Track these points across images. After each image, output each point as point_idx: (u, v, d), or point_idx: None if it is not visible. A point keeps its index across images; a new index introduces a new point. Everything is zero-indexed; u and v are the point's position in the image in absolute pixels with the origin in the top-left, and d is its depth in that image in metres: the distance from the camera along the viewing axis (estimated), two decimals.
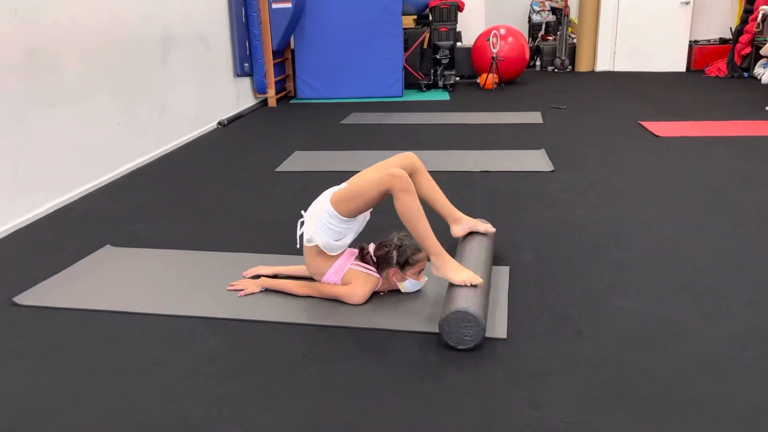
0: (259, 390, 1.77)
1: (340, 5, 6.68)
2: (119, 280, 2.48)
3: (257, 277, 2.46)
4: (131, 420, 1.65)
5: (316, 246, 2.25)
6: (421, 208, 2.14)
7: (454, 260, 2.15)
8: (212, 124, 5.48)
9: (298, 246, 2.44)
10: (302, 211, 2.38)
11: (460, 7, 7.86)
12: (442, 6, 7.72)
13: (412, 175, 2.39)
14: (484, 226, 2.52)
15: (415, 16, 8.09)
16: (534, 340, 1.99)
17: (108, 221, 3.20)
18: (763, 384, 1.73)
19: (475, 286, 2.05)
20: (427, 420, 1.62)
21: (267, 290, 2.37)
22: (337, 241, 2.25)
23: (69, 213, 3.35)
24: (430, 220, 2.16)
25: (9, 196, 3.05)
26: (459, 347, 1.94)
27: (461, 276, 2.09)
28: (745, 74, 7.70)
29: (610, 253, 2.64)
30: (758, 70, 7.45)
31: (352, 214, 2.22)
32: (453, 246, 2.57)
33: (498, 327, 2.06)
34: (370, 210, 2.30)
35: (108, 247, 2.83)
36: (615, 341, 1.97)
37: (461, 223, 2.51)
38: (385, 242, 2.27)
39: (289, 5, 6.37)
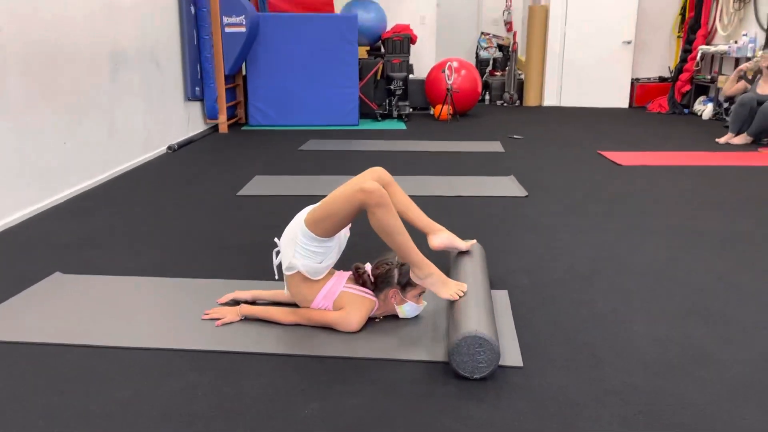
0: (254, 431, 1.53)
1: (294, 31, 6.54)
2: (75, 310, 2.17)
3: (235, 303, 2.21)
4: None
5: (299, 272, 2.04)
6: (399, 220, 1.97)
7: (439, 272, 2.01)
8: (162, 149, 5.16)
9: (276, 277, 2.22)
10: (275, 239, 2.16)
11: (412, 40, 7.87)
12: (395, 38, 7.71)
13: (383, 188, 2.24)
14: (463, 243, 2.37)
15: (368, 47, 8.04)
16: (552, 368, 1.83)
17: (55, 247, 2.86)
18: None
19: (464, 293, 1.95)
20: None
21: (247, 318, 2.12)
22: (319, 263, 2.04)
23: (9, 238, 2.98)
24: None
25: None
26: (474, 376, 1.75)
27: (449, 291, 1.98)
28: (686, 110, 7.99)
29: (608, 276, 2.53)
30: (698, 106, 7.75)
31: (329, 234, 2.02)
32: (441, 264, 2.39)
33: (511, 354, 1.88)
34: (349, 226, 2.11)
35: (57, 274, 2.50)
36: (639, 368, 1.83)
37: (439, 234, 2.33)
38: (384, 261, 2.08)
39: (242, 29, 6.18)
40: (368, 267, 2.12)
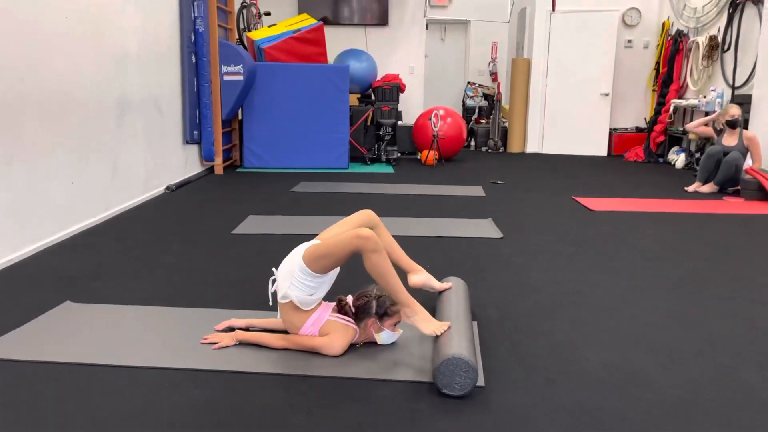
0: None
1: (289, 80, 6.92)
2: (86, 334, 2.41)
3: (230, 330, 2.46)
4: None
5: (291, 302, 2.30)
6: (390, 264, 2.25)
7: (425, 311, 2.29)
8: (160, 189, 5.44)
9: (270, 303, 2.47)
10: (273, 269, 2.42)
11: (401, 89, 8.27)
12: (385, 87, 8.11)
13: (371, 230, 2.53)
14: (440, 284, 2.65)
15: (359, 95, 8.44)
16: (510, 387, 2.08)
17: (64, 279, 3.11)
18: (725, 423, 1.87)
19: (447, 329, 2.21)
20: None
21: (242, 343, 2.36)
22: (310, 296, 2.31)
23: (22, 270, 3.22)
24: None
25: None
26: (444, 390, 2.00)
27: (431, 327, 2.24)
28: (660, 159, 8.39)
29: (569, 311, 2.80)
30: (672, 156, 8.15)
31: (323, 271, 2.29)
32: (427, 300, 2.66)
33: None
34: (339, 266, 2.38)
35: (68, 303, 2.74)
36: (586, 389, 2.09)
37: (418, 274, 2.66)
38: (364, 293, 2.34)
39: (240, 78, 6.54)
40: (350, 299, 2.38)
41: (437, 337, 2.21)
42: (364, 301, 2.32)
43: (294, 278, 2.28)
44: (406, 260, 2.64)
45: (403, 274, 2.57)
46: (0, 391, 1.98)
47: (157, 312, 2.66)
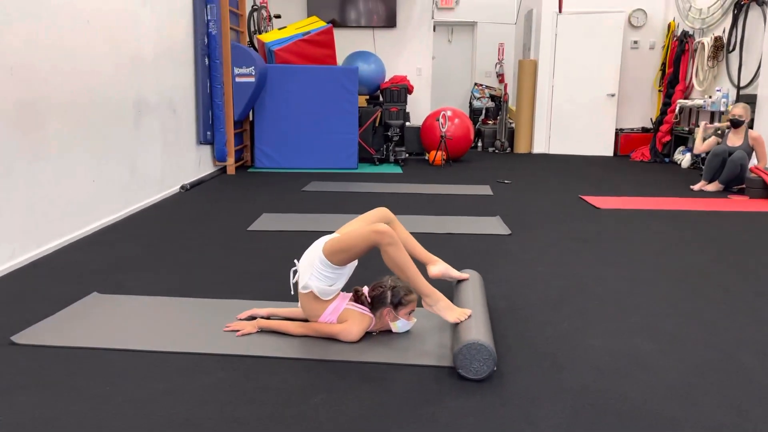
0: (273, 415, 1.88)
1: (300, 81, 7.05)
2: (115, 322, 2.53)
3: (252, 318, 2.58)
4: None
5: (311, 292, 2.42)
6: (407, 256, 2.36)
7: (446, 299, 2.37)
8: (175, 188, 5.58)
9: (292, 293, 2.58)
10: (295, 260, 2.54)
11: (409, 90, 8.39)
12: (393, 88, 8.23)
13: (388, 225, 2.64)
14: (458, 274, 2.76)
15: (367, 96, 8.56)
16: (519, 372, 2.19)
17: (89, 272, 3.24)
18: (724, 405, 1.98)
19: (468, 317, 2.28)
20: None
21: (263, 330, 2.48)
22: (330, 286, 2.42)
23: (48, 264, 3.36)
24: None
25: None
26: (460, 371, 2.10)
27: (454, 315, 2.32)
28: (666, 159, 8.47)
29: (574, 302, 2.91)
30: (678, 156, 8.24)
31: (342, 263, 2.41)
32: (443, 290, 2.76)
33: None
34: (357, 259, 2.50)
35: (95, 294, 2.87)
36: (592, 373, 2.19)
37: (437, 265, 2.74)
38: (379, 284, 2.46)
39: (252, 79, 6.68)
40: (366, 289, 2.50)
41: (458, 323, 2.31)
42: (380, 291, 2.44)
43: (314, 270, 2.39)
44: (423, 252, 2.73)
45: (422, 266, 2.68)
46: (38, 374, 2.11)
47: (181, 302, 2.79)
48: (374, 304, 2.45)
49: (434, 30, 9.74)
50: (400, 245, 2.35)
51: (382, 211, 2.67)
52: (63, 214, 3.71)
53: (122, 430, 1.78)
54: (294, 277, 2.53)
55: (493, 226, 4.41)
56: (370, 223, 2.54)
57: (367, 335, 2.45)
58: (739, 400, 2.01)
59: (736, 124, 6.14)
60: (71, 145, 3.80)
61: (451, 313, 2.34)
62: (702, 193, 6.03)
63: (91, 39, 4.03)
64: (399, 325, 2.46)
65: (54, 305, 2.74)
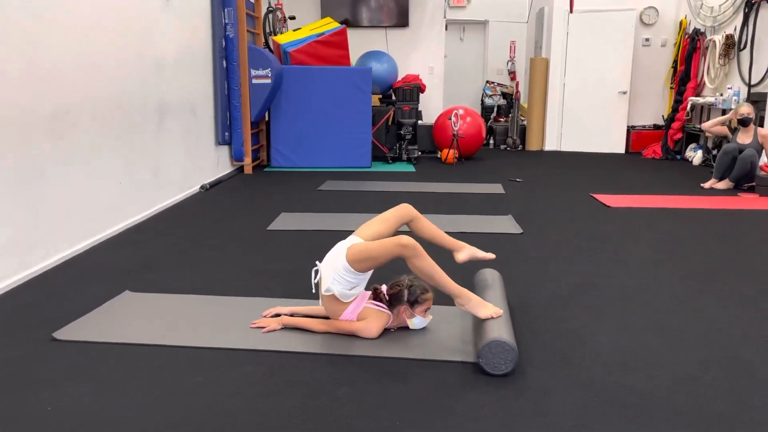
0: (301, 405, 2.02)
1: (314, 82, 7.19)
2: (148, 319, 2.69)
3: (277, 316, 2.72)
4: (194, 427, 1.87)
5: (333, 294, 2.55)
6: (433, 263, 2.47)
7: (477, 296, 2.49)
8: (195, 188, 5.74)
9: (313, 291, 2.72)
10: (317, 261, 2.68)
11: (421, 89, 8.50)
12: (405, 87, 8.34)
13: (412, 222, 2.78)
14: (484, 254, 2.88)
15: (380, 96, 8.68)
16: (531, 366, 2.31)
17: (119, 271, 3.39)
18: (726, 397, 2.09)
19: (499, 315, 2.40)
20: (455, 425, 1.91)
21: (287, 327, 2.62)
22: (350, 290, 2.56)
23: (80, 263, 3.52)
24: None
25: (28, 245, 3.22)
26: (480, 360, 2.20)
27: (487, 311, 2.42)
28: (678, 157, 8.53)
29: (584, 300, 3.02)
30: (689, 153, 8.29)
31: (365, 271, 2.55)
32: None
33: None
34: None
35: (127, 292, 3.02)
36: (600, 367, 2.31)
37: (463, 250, 2.86)
38: (397, 282, 2.59)
39: (268, 81, 6.82)
40: (384, 288, 2.63)
41: (487, 319, 2.40)
42: (397, 290, 2.56)
43: (336, 274, 2.52)
44: (449, 241, 2.85)
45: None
46: (81, 368, 2.26)
47: (208, 300, 2.93)
48: (392, 302, 2.58)
49: (446, 29, 9.83)
50: (424, 255, 2.45)
51: (404, 209, 2.77)
52: (92, 216, 3.87)
53: (163, 420, 1.92)
54: (315, 278, 2.66)
55: (505, 224, 4.52)
56: (394, 223, 2.67)
57: (386, 331, 2.58)
58: (739, 392, 2.12)
59: (745, 122, 6.21)
60: (99, 150, 3.96)
61: (484, 309, 2.43)
62: (712, 191, 6.10)
63: (117, 48, 4.18)
64: (415, 322, 2.58)
65: (89, 302, 2.89)
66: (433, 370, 2.28)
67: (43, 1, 3.35)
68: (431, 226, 2.82)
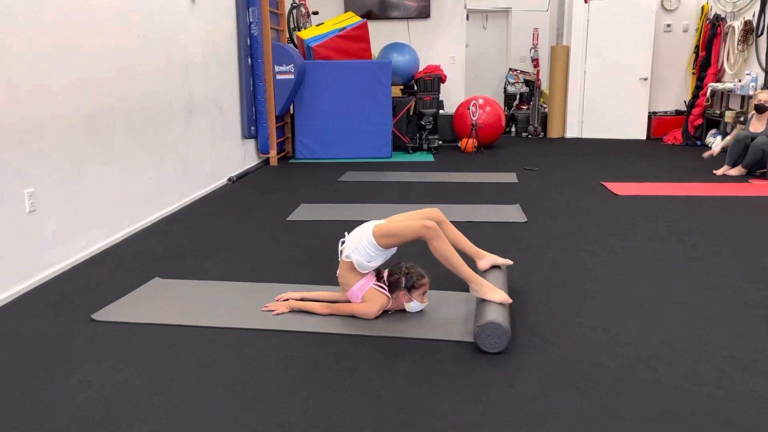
0: (306, 376, 2.33)
1: (336, 76, 7.46)
2: (173, 302, 3.03)
3: (286, 300, 3.03)
4: (211, 395, 2.19)
5: (351, 262, 2.84)
6: (451, 248, 2.77)
7: (489, 283, 2.76)
8: (223, 180, 6.09)
9: (340, 257, 2.95)
10: (345, 232, 2.97)
11: (442, 79, 8.69)
12: (426, 78, 8.54)
13: (438, 225, 3.03)
14: (503, 260, 3.14)
15: (401, 86, 8.90)
16: (511, 346, 2.56)
17: (151, 260, 3.75)
18: (684, 372, 2.33)
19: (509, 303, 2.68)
20: (431, 395, 2.19)
21: (294, 310, 2.92)
22: (368, 262, 2.84)
23: (115, 253, 3.89)
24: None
25: (69, 235, 3.60)
26: (476, 335, 2.48)
27: (499, 296, 2.69)
28: (698, 142, 8.57)
29: (574, 285, 3.25)
30: (709, 139, 8.33)
31: (387, 247, 2.84)
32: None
33: None
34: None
35: (157, 279, 3.37)
36: (574, 345, 2.56)
37: (485, 258, 3.13)
38: (395, 270, 2.87)
39: (291, 76, 7.12)
40: (385, 273, 2.90)
41: (490, 302, 2.65)
42: (395, 277, 2.84)
43: (360, 245, 2.82)
44: (472, 248, 3.12)
45: (471, 261, 3.05)
46: (114, 345, 2.61)
47: (228, 286, 3.26)
48: (391, 287, 2.86)
49: (467, 18, 9.96)
50: (444, 239, 2.75)
51: (432, 212, 3.04)
52: (126, 209, 4.24)
53: (183, 389, 2.25)
54: (341, 246, 2.95)
55: (512, 213, 4.75)
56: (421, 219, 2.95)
57: (384, 313, 2.87)
58: (696, 368, 2.35)
59: (761, 109, 6.27)
60: (133, 148, 4.32)
61: (496, 294, 2.69)
62: (725, 178, 6.20)
63: (147, 51, 4.52)
64: (412, 305, 2.86)
65: (123, 288, 3.25)
66: (421, 348, 2.55)
67: (78, 16, 3.69)
68: (456, 232, 3.08)
